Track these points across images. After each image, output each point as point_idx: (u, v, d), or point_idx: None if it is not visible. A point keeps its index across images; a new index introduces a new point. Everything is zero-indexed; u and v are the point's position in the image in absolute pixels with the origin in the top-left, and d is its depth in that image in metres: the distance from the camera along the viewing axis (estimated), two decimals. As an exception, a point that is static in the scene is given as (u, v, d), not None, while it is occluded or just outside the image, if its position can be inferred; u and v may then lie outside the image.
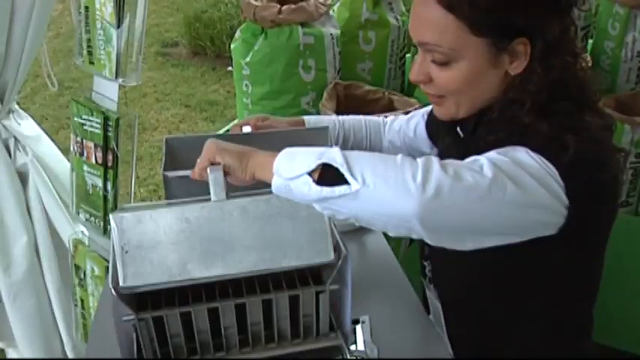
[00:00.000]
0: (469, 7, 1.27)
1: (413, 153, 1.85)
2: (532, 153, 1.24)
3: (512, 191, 1.18)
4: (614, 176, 1.36)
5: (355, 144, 1.91)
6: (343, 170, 1.16)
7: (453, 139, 1.55)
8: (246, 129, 1.74)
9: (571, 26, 1.35)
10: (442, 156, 1.39)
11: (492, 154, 1.25)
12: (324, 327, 1.41)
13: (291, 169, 1.22)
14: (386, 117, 1.99)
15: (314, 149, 1.23)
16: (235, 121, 1.75)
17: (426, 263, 1.69)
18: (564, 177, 1.23)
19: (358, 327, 1.57)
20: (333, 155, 1.18)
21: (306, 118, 1.90)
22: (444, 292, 1.64)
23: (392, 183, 1.15)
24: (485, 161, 1.21)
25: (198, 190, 1.34)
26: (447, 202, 1.15)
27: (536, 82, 1.31)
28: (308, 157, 1.21)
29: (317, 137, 1.58)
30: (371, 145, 1.93)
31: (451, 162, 1.21)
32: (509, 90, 1.36)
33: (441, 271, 1.63)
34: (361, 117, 1.97)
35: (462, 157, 1.31)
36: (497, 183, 1.18)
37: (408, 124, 1.90)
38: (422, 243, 1.57)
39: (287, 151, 1.26)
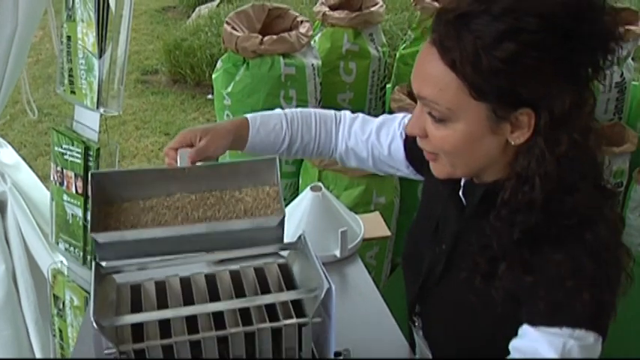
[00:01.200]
0: (472, 68, 1.19)
1: (384, 168, 1.74)
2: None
3: None
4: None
5: (301, 148, 1.74)
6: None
7: (453, 201, 1.48)
8: (184, 153, 1.59)
9: (588, 100, 1.24)
10: (438, 218, 1.49)
11: None
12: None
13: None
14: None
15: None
16: (170, 143, 1.63)
17: (415, 318, 1.64)
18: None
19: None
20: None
21: (250, 117, 1.71)
22: (435, 344, 1.61)
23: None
24: None
25: (131, 253, 1.41)
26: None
27: (540, 156, 1.22)
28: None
29: (264, 168, 1.57)
30: (319, 148, 1.75)
31: None
32: (515, 162, 1.28)
33: (432, 327, 1.60)
34: (313, 112, 1.75)
35: (462, 231, 1.39)
36: None
37: (378, 136, 1.70)
38: (412, 300, 1.62)
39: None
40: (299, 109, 1.75)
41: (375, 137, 1.70)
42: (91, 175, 1.50)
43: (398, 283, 2.85)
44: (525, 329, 1.26)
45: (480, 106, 1.22)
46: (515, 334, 1.29)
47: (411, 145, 1.62)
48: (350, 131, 1.73)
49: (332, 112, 1.77)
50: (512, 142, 1.25)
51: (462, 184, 1.47)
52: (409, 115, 1.48)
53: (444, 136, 1.28)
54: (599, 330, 1.24)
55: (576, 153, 1.22)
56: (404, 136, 1.65)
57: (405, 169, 1.70)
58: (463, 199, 1.47)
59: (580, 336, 1.22)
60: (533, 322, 1.25)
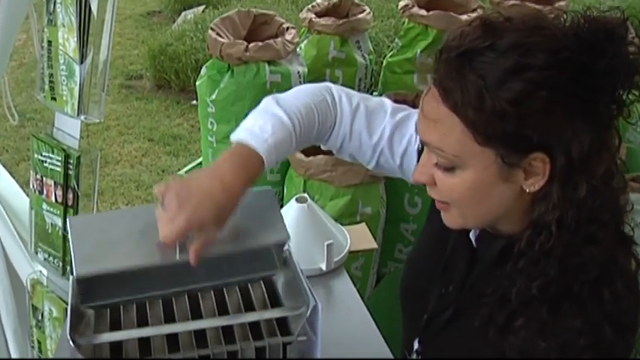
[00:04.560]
0: (475, 111, 1.11)
1: (384, 172, 1.57)
2: None
3: None
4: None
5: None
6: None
7: (463, 244, 1.39)
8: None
9: (612, 140, 1.15)
10: (448, 257, 1.40)
11: None
12: (291, 379, 1.37)
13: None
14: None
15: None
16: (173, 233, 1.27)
17: (414, 354, 1.54)
18: None
19: (326, 377, 1.53)
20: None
21: (265, 154, 1.35)
22: None
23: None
24: None
25: None
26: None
27: (557, 204, 1.14)
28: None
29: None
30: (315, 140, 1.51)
31: None
32: (531, 210, 1.19)
33: None
34: (315, 113, 1.43)
35: (475, 279, 1.32)
36: None
37: (391, 143, 1.47)
38: (411, 336, 1.54)
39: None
40: (296, 103, 1.44)
41: (386, 144, 1.47)
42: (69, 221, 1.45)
43: (383, 295, 2.82)
44: None
45: (488, 152, 1.14)
46: None
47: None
48: (352, 130, 1.48)
49: (330, 106, 1.47)
50: (527, 190, 1.17)
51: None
52: None
53: (453, 184, 1.20)
54: None
55: (597, 199, 1.13)
56: (418, 142, 1.44)
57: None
58: (473, 241, 1.38)
59: None
60: None
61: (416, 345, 1.53)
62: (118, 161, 5.51)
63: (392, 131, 1.46)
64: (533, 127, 1.10)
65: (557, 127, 1.10)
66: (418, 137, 1.36)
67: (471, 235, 1.37)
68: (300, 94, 1.48)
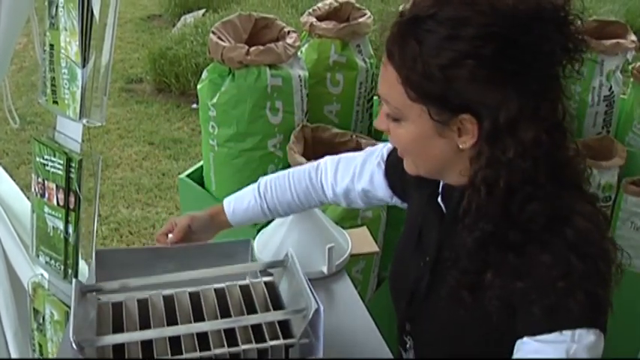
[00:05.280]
0: (408, 71, 1.24)
1: (374, 202, 1.78)
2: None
3: None
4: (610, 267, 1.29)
5: (287, 209, 1.85)
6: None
7: (432, 207, 1.48)
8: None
9: (547, 111, 1.22)
10: (420, 227, 1.49)
11: None
12: (293, 382, 1.37)
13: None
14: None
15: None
16: (162, 228, 1.82)
17: (406, 338, 1.60)
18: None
19: (327, 380, 1.53)
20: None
21: (225, 202, 1.90)
22: None
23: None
24: None
25: None
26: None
27: (486, 163, 1.24)
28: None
29: (239, 250, 1.66)
30: (307, 202, 1.84)
31: None
32: (471, 166, 1.28)
33: (424, 346, 1.57)
34: (287, 175, 1.83)
35: (444, 239, 1.40)
36: None
37: (361, 173, 1.72)
38: (402, 319, 1.60)
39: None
40: (274, 176, 1.85)
41: (358, 175, 1.73)
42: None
43: (384, 298, 2.82)
44: (525, 342, 1.24)
45: (421, 109, 1.26)
46: (512, 345, 1.27)
47: (391, 174, 1.67)
48: (336, 177, 1.77)
49: (309, 165, 1.84)
50: (460, 147, 1.28)
51: (439, 190, 1.46)
52: (388, 145, 1.58)
53: (399, 134, 1.34)
54: (599, 326, 1.23)
55: (527, 162, 1.21)
56: (383, 165, 1.69)
57: (390, 199, 1.72)
58: (442, 205, 1.46)
59: (581, 336, 1.20)
60: (533, 332, 1.23)
61: (407, 327, 1.59)
62: (118, 165, 5.51)
63: (362, 163, 1.73)
64: (459, 92, 1.21)
65: (483, 93, 1.20)
66: (381, 160, 1.69)
67: (440, 200, 1.46)
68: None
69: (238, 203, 1.87)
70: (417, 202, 1.58)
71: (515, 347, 1.26)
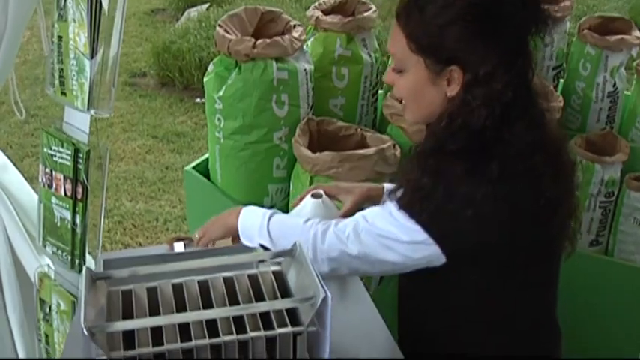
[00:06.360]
0: (411, 27, 1.55)
1: None
2: (396, 213, 1.56)
3: (379, 259, 1.60)
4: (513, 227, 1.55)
5: None
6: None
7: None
8: None
9: (512, 65, 1.53)
10: None
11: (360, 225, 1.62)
12: (300, 369, 1.39)
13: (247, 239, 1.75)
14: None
15: (255, 226, 1.73)
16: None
17: None
18: (426, 229, 1.53)
19: (333, 369, 1.54)
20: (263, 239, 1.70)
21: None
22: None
23: None
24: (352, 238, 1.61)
25: None
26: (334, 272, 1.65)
27: (458, 104, 1.54)
28: (253, 236, 1.73)
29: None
30: None
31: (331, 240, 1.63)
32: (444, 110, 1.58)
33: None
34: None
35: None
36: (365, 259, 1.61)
37: None
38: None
39: (243, 228, 1.77)
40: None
41: None
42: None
43: (387, 291, 2.84)
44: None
45: (419, 60, 1.56)
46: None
47: None
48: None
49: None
50: (449, 94, 1.56)
51: None
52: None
53: (401, 84, 1.63)
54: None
55: (496, 109, 1.50)
56: None
57: None
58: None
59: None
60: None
61: None
62: (122, 158, 5.53)
63: None
64: (450, 47, 1.52)
65: (469, 49, 1.51)
66: None
67: None
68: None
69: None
70: None
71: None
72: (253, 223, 1.74)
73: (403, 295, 1.88)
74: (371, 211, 1.64)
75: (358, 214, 1.66)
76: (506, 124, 1.52)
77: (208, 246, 1.84)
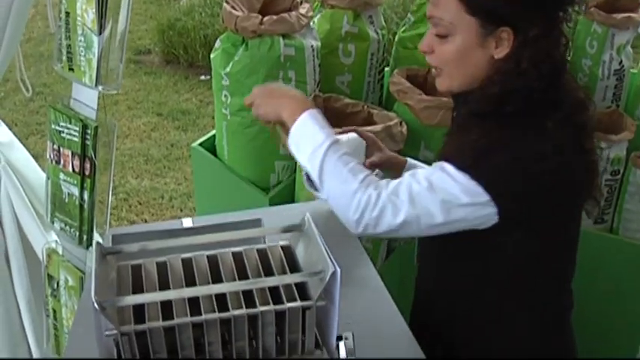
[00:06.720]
0: None
1: None
2: (456, 174, 1.53)
3: (432, 224, 1.55)
4: (563, 180, 1.58)
5: None
6: (317, 184, 1.61)
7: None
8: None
9: (552, 32, 1.58)
10: None
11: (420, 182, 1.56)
12: (309, 344, 1.39)
13: (295, 152, 1.65)
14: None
15: (311, 146, 1.60)
16: None
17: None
18: (488, 190, 1.51)
19: (341, 343, 1.55)
20: (313, 168, 1.59)
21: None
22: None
23: (341, 208, 1.58)
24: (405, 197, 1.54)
25: None
26: (378, 233, 1.58)
27: (511, 68, 1.56)
28: (303, 157, 1.62)
29: (249, 227, 1.65)
30: None
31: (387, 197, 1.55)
32: (491, 74, 1.60)
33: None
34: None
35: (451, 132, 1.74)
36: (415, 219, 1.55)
37: None
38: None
39: (295, 138, 1.63)
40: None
41: None
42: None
43: (393, 268, 2.85)
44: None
45: (472, 21, 1.56)
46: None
47: None
48: None
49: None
50: (495, 57, 1.59)
51: None
52: None
53: (446, 48, 1.62)
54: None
55: (535, 73, 1.54)
56: None
57: None
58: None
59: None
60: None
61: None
62: (127, 135, 5.54)
63: None
64: (505, 5, 1.54)
65: (521, 10, 1.54)
66: None
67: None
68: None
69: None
70: None
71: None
72: (313, 139, 1.60)
73: (426, 259, 1.90)
74: (424, 174, 1.57)
75: (407, 175, 1.59)
76: (554, 84, 1.57)
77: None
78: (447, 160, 1.56)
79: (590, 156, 1.65)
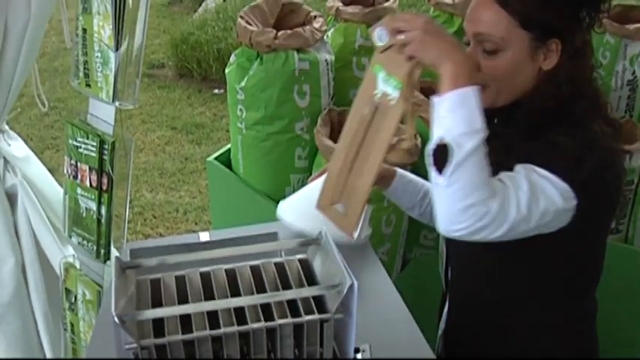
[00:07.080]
0: (521, 4, 1.55)
1: None
2: (553, 178, 1.50)
3: (525, 229, 1.50)
4: (617, 175, 1.64)
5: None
6: (448, 164, 1.43)
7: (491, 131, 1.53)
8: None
9: (589, 41, 1.65)
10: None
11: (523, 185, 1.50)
12: (327, 356, 1.40)
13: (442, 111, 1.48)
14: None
15: (468, 125, 1.44)
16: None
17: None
18: (578, 193, 1.51)
19: (358, 355, 1.55)
20: (461, 147, 1.42)
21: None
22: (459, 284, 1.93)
23: (457, 202, 1.44)
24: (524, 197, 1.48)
25: None
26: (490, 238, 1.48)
27: (562, 77, 1.59)
28: (454, 127, 1.45)
29: (266, 240, 1.65)
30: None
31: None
32: (539, 85, 1.62)
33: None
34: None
35: (493, 147, 1.53)
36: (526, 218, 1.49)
37: None
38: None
39: (454, 104, 1.44)
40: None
41: None
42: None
43: (409, 279, 2.85)
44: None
45: (525, 35, 1.57)
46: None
47: None
48: None
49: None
50: (544, 68, 1.61)
51: None
52: None
53: (496, 64, 1.60)
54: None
55: (577, 80, 1.61)
56: None
57: None
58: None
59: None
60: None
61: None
62: (141, 149, 5.56)
63: None
64: (557, 18, 1.57)
65: (569, 22, 1.58)
66: None
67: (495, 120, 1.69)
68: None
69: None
70: None
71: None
72: (473, 119, 1.44)
73: (464, 269, 1.89)
74: (527, 179, 1.50)
75: (510, 184, 1.50)
76: (596, 91, 1.65)
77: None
78: (533, 161, 1.53)
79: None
